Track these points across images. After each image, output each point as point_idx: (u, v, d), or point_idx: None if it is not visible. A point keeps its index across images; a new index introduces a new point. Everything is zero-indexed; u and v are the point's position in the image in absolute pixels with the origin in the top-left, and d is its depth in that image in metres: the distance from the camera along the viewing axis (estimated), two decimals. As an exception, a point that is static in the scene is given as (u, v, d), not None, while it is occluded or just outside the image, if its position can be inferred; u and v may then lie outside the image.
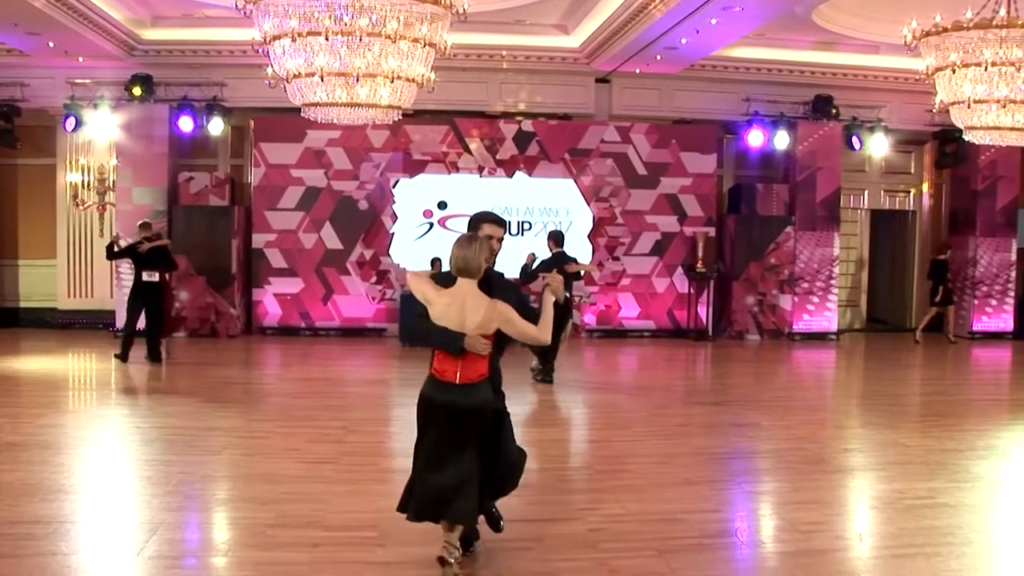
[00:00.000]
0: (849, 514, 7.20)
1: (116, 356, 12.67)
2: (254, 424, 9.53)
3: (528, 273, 11.72)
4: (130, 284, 13.36)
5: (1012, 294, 18.53)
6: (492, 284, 5.47)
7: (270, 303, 16.50)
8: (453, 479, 5.23)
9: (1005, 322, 18.48)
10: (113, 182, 16.45)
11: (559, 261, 11.89)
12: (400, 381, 12.73)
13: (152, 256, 13.01)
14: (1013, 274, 18.60)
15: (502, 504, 5.80)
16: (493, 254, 5.55)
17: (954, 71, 10.51)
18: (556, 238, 12.31)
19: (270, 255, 16.40)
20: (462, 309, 5.23)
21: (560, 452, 8.94)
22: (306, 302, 16.53)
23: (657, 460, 8.28)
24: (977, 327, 18.45)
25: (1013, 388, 13.81)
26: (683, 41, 14.30)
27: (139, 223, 13.51)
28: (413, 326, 5.47)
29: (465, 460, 5.26)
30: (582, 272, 12.87)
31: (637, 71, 16.54)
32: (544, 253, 12.32)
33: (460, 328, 5.20)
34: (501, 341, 5.40)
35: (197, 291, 16.02)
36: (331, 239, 16.53)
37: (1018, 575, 5.80)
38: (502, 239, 5.70)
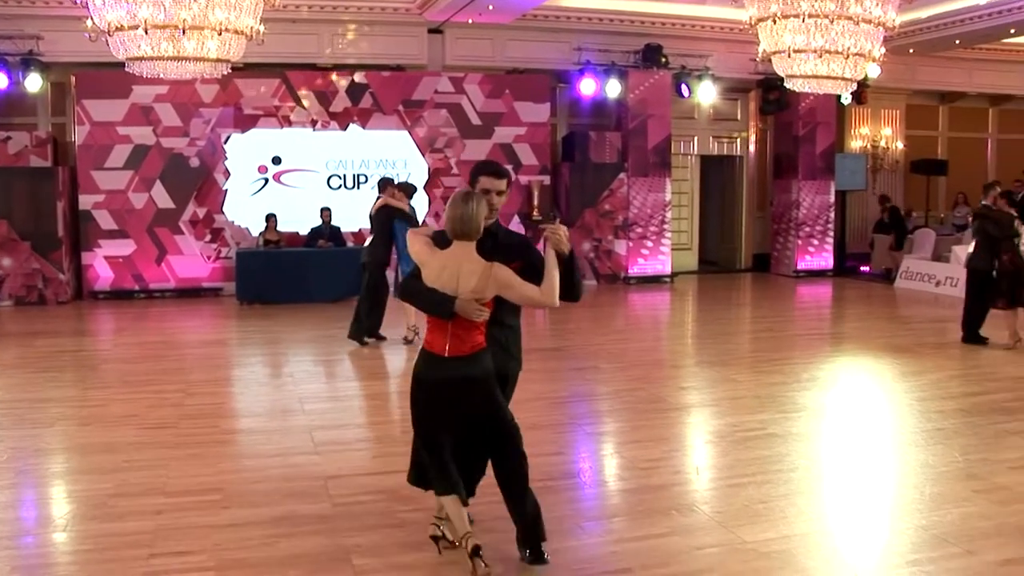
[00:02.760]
0: (686, 449, 7.52)
1: None
2: (89, 392, 9.26)
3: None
4: None
5: (832, 234, 19.47)
6: (497, 241, 4.93)
7: (101, 266, 15.94)
8: (470, 459, 4.99)
9: (826, 260, 19.42)
10: (-79, 143, 15.55)
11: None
12: (239, 340, 12.56)
13: None
14: (832, 215, 19.53)
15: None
16: (493, 210, 4.90)
17: (775, 21, 10.88)
18: (380, 185, 12.11)
19: (99, 217, 15.81)
20: (456, 274, 4.71)
21: (402, 403, 8.95)
22: (139, 264, 16.04)
23: (500, 408, 8.43)
24: (801, 265, 19.31)
25: (833, 322, 14.54)
26: (514, -9, 14.36)
27: None
28: (404, 284, 5.02)
29: (469, 437, 4.93)
30: None
31: (470, 21, 16.52)
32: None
33: (453, 293, 4.70)
34: (510, 305, 4.96)
35: (21, 257, 15.28)
36: (162, 198, 16.03)
37: (839, 495, 6.19)
38: (503, 192, 4.97)
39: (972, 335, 11.60)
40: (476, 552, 4.77)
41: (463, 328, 4.74)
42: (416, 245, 4.87)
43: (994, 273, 11.33)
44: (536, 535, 5.01)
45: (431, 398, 4.82)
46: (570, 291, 4.84)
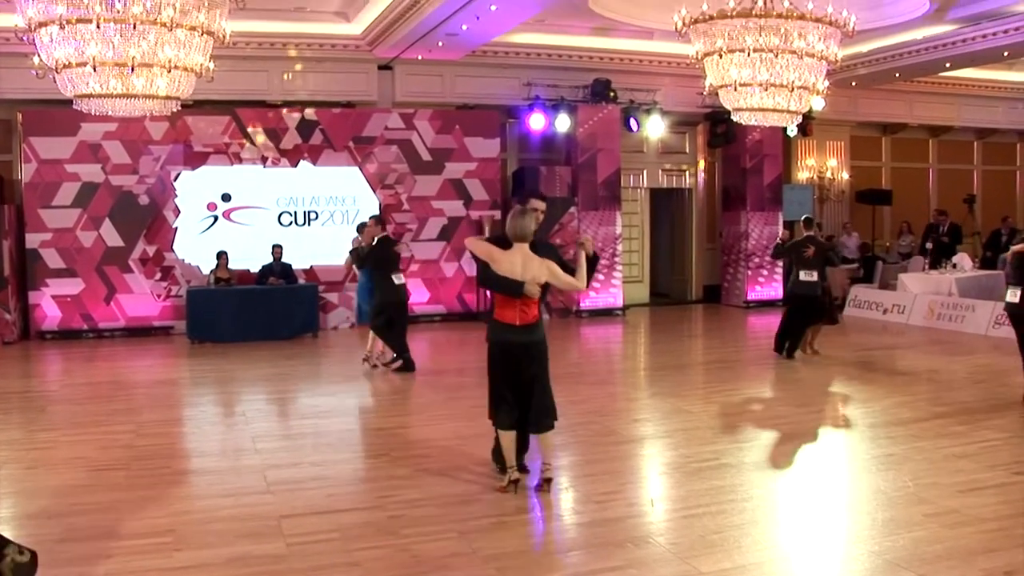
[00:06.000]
0: (641, 481, 7.54)
1: None
2: (36, 434, 9.09)
3: (362, 256, 12.32)
4: None
5: (781, 264, 19.64)
6: (538, 246, 6.80)
7: (48, 306, 15.71)
8: (532, 403, 6.75)
9: (776, 290, 19.58)
10: None
11: (388, 245, 12.00)
12: (190, 380, 12.42)
13: None
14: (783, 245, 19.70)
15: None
16: (536, 223, 6.83)
17: (721, 56, 11.08)
18: (379, 221, 12.38)
19: (46, 255, 15.61)
20: (521, 265, 6.62)
21: (356, 441, 8.97)
22: (87, 303, 15.84)
23: (453, 442, 8.41)
24: (751, 296, 19.52)
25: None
26: (464, 27, 14.46)
27: None
28: (483, 274, 6.81)
29: (536, 387, 6.75)
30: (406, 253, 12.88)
31: (419, 58, 16.62)
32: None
33: (518, 279, 6.58)
34: (543, 291, 6.77)
35: (-35, 297, 15.09)
36: (111, 236, 15.87)
37: (793, 523, 6.25)
38: (544, 211, 7.10)
39: (792, 351, 13.06)
40: (514, 483, 6.82)
41: (527, 304, 6.68)
42: (485, 246, 6.84)
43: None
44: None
45: (507, 356, 6.73)
46: (588, 280, 6.97)
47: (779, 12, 10.52)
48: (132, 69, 9.51)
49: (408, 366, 12.13)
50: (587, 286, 7.03)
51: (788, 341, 13.08)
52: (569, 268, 6.94)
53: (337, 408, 10.25)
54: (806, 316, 12.94)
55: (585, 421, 9.28)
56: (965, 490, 6.77)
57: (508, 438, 6.85)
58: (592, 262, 6.98)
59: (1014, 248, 9.99)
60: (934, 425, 8.88)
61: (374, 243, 12.03)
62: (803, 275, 12.88)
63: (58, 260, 15.67)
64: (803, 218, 13.64)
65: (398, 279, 11.99)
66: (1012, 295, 9.89)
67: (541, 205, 7.10)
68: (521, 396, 6.78)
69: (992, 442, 8.23)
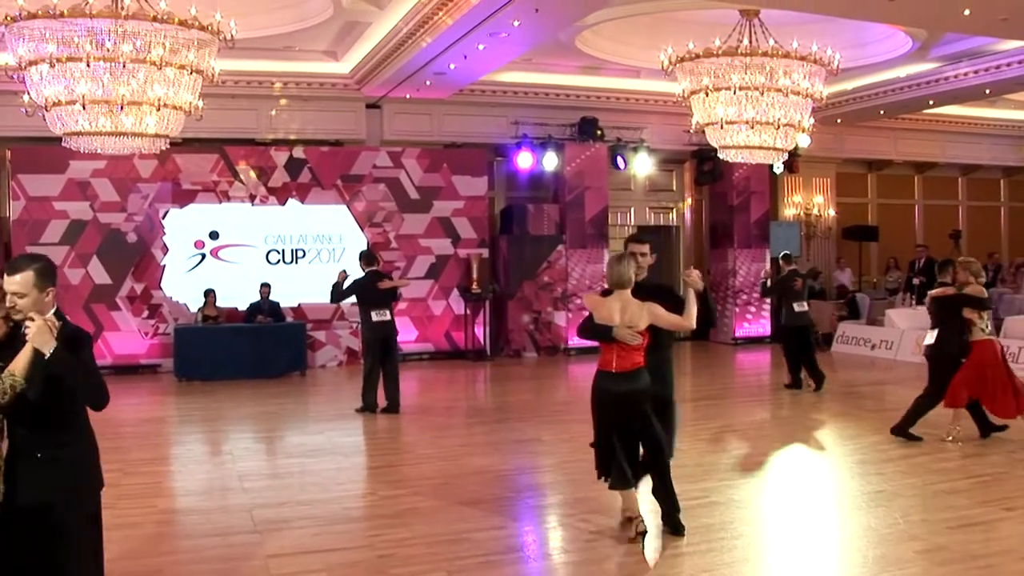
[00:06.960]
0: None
1: None
2: (21, 473, 9.01)
3: (340, 291, 12.03)
4: None
5: (769, 301, 19.68)
6: (648, 290, 6.61)
7: (33, 344, 15.58)
8: (628, 455, 6.50)
9: (764, 327, 19.62)
10: None
11: (372, 279, 11.89)
12: (178, 418, 12.35)
13: None
14: (768, 283, 19.76)
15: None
16: (639, 268, 6.64)
17: (707, 94, 11.19)
18: (366, 258, 12.28)
19: (32, 293, 15.52)
20: (619, 311, 6.38)
21: (344, 480, 8.90)
22: (73, 341, 15.71)
23: (442, 481, 8.37)
24: (739, 333, 19.52)
25: (773, 389, 14.64)
26: (452, 67, 14.54)
27: None
28: (582, 325, 6.68)
29: (645, 440, 6.53)
30: (399, 291, 12.77)
31: (407, 96, 16.69)
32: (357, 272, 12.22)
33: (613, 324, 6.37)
34: (661, 336, 6.61)
35: (-49, 335, 14.96)
36: (99, 274, 15.82)
37: (783, 561, 6.22)
38: (645, 253, 6.77)
39: (798, 379, 13.64)
40: (641, 534, 6.43)
41: (625, 351, 6.38)
42: (589, 299, 6.77)
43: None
44: (669, 510, 6.67)
45: (604, 404, 6.48)
46: (707, 317, 6.68)
47: (764, 50, 10.67)
48: (121, 107, 9.53)
49: (366, 407, 11.99)
50: (703, 324, 6.63)
51: (793, 371, 13.60)
52: (682, 308, 6.59)
53: (325, 447, 10.19)
54: (803, 345, 13.40)
55: (574, 459, 9.21)
56: (955, 526, 6.76)
57: (629, 498, 6.60)
58: (704, 296, 6.59)
59: (931, 293, 10.07)
60: (923, 461, 8.88)
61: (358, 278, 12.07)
62: (796, 307, 13.38)
63: (45, 298, 15.55)
64: (781, 255, 13.97)
65: (377, 315, 11.91)
66: (930, 337, 9.90)
67: (640, 248, 6.75)
68: (630, 448, 6.55)
69: (982, 478, 8.23)
